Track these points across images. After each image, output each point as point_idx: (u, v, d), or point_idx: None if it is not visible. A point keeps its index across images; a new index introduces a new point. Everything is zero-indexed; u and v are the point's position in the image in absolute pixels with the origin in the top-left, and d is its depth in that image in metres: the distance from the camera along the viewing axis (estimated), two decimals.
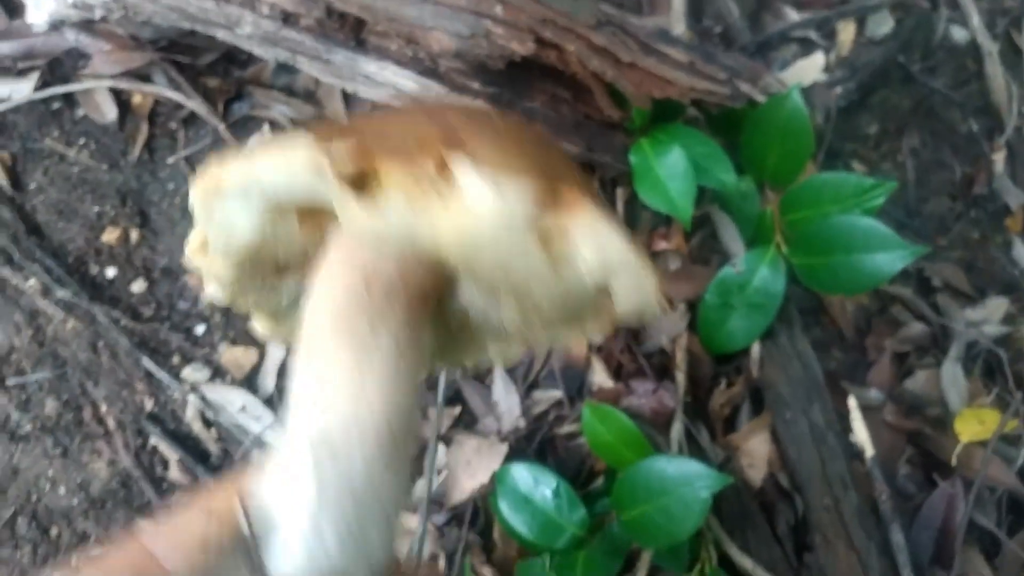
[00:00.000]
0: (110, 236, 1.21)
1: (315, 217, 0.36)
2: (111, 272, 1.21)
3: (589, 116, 1.10)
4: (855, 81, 1.42)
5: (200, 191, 0.35)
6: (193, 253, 0.41)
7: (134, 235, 1.22)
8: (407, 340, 0.35)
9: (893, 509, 1.10)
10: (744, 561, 1.05)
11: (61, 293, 1.17)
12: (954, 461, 1.20)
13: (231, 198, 0.34)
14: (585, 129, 1.10)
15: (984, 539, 1.20)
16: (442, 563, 1.10)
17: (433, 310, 0.39)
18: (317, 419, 0.33)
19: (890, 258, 1.00)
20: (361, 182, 0.32)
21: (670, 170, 1.01)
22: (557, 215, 0.31)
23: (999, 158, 1.54)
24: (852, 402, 1.13)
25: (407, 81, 1.00)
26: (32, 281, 1.18)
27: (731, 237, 1.16)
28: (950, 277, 1.43)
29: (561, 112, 1.09)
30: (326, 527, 0.31)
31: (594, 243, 0.32)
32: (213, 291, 0.44)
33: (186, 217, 1.23)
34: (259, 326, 0.46)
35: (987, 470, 1.17)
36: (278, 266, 0.39)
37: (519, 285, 0.35)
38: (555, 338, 0.43)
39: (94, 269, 1.21)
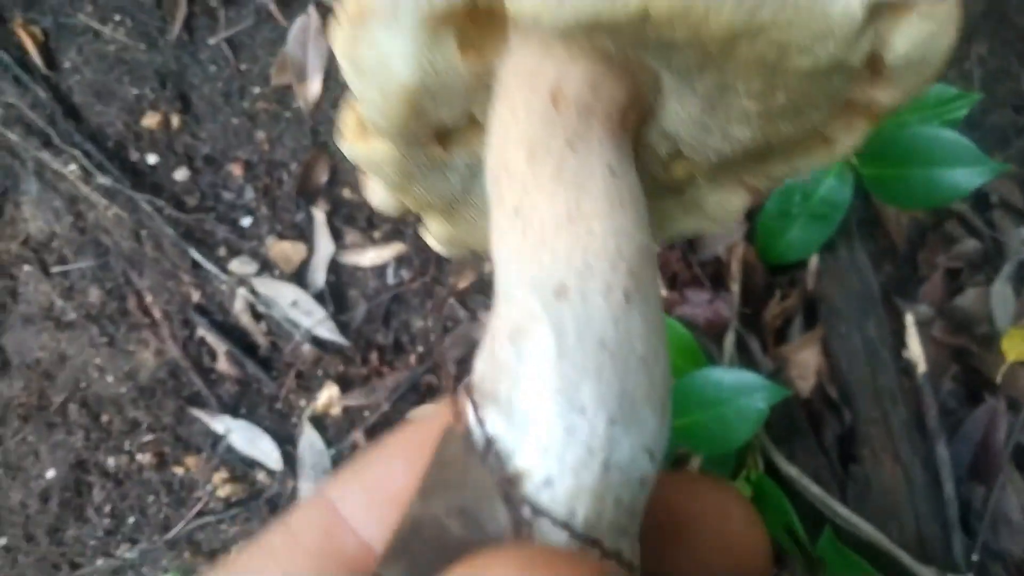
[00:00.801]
0: (150, 121, 1.16)
1: (479, 45, 0.29)
2: (152, 159, 1.17)
3: None
4: None
5: (345, 34, 0.27)
6: (352, 138, 0.32)
7: (175, 120, 1.17)
8: (618, 162, 0.28)
9: (939, 425, 1.11)
10: (790, 469, 1.06)
11: (102, 179, 1.14)
12: (999, 379, 1.20)
13: (379, 24, 0.27)
14: None
15: (1019, 453, 1.22)
16: None
17: (633, 142, 0.31)
18: (534, 260, 0.26)
19: (970, 173, 0.96)
20: None
21: None
22: None
23: None
24: (909, 318, 1.12)
25: None
26: (72, 166, 1.14)
27: None
28: (1008, 194, 1.39)
29: None
30: (579, 379, 0.24)
31: None
32: (378, 193, 0.36)
33: (229, 103, 1.18)
34: (434, 231, 0.39)
35: None
36: (443, 132, 0.32)
37: (765, 67, 0.26)
38: (796, 153, 0.33)
39: (135, 155, 1.17)
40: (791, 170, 0.34)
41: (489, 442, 0.25)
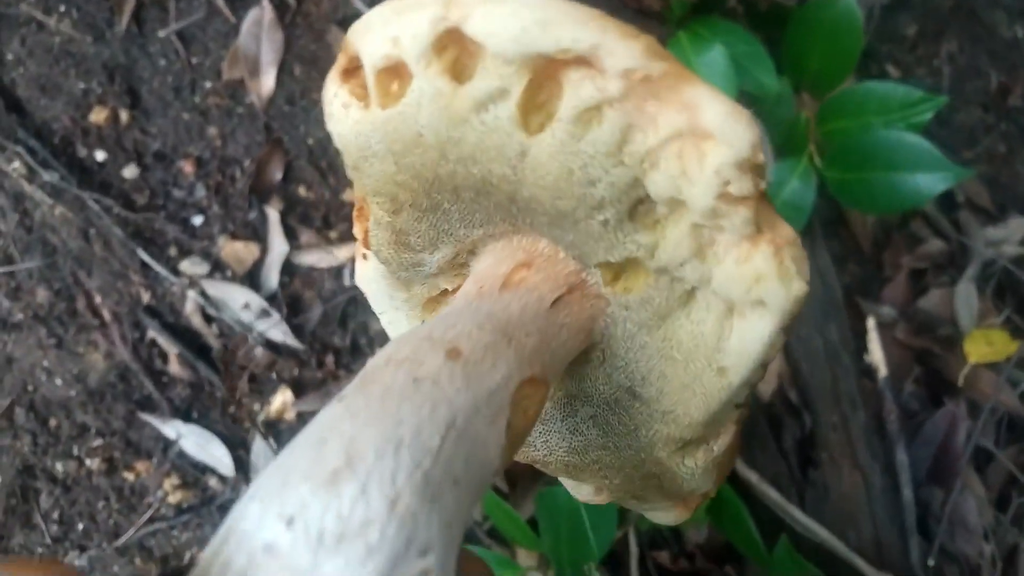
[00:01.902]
0: (98, 116, 1.13)
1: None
2: (100, 155, 1.13)
3: (624, 3, 1.01)
4: None
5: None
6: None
7: (124, 116, 1.13)
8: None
9: (899, 429, 1.10)
10: (749, 475, 1.05)
11: (48, 176, 1.10)
12: (961, 382, 1.20)
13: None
14: (619, 18, 1.01)
15: (979, 455, 1.22)
16: None
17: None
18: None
19: (933, 179, 0.95)
20: None
21: (709, 69, 0.93)
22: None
23: None
24: (871, 323, 1.11)
25: None
26: (16, 163, 1.10)
27: None
28: (973, 193, 1.39)
29: None
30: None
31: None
32: None
33: (179, 98, 1.14)
34: None
35: (994, 394, 1.17)
36: None
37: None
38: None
39: (82, 151, 1.13)
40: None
41: None
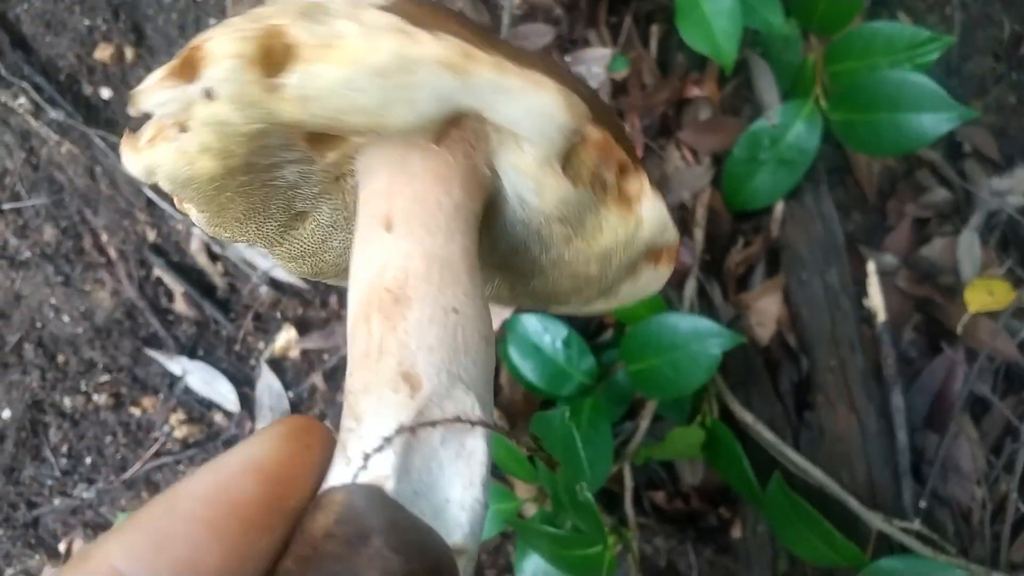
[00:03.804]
0: (103, 53, 1.12)
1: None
2: (106, 93, 1.13)
3: None
4: None
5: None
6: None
7: (129, 53, 1.13)
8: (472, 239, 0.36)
9: (896, 373, 1.11)
10: (745, 415, 1.06)
11: (54, 114, 1.11)
12: (960, 330, 1.20)
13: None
14: None
15: (976, 404, 1.23)
16: None
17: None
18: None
19: (937, 119, 0.95)
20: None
21: (716, 7, 0.93)
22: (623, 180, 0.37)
23: None
24: (871, 267, 1.11)
25: None
26: (22, 100, 1.10)
27: (767, 87, 1.09)
28: (981, 143, 1.37)
29: None
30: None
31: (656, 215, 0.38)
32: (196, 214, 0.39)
33: (184, 35, 1.14)
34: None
35: (991, 341, 1.17)
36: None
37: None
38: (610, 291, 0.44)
39: (87, 89, 1.13)
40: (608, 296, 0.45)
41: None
